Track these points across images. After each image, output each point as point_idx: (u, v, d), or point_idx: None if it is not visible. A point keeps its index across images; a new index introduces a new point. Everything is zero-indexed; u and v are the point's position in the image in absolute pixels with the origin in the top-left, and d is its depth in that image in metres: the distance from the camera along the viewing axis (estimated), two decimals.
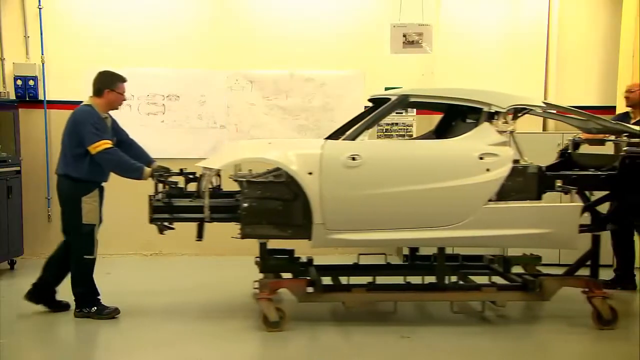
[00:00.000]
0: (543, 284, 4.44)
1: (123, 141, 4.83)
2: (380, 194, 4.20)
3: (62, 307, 4.76)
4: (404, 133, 6.99)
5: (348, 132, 4.51)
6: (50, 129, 6.76)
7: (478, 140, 4.31)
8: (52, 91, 6.84)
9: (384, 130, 6.99)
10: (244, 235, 4.33)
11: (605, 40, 6.98)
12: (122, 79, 4.73)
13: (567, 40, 6.98)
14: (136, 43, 6.89)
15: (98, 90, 4.64)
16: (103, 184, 4.72)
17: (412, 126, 6.99)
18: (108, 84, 4.64)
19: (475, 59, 7.01)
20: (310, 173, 4.16)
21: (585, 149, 5.07)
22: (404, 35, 6.45)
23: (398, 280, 4.71)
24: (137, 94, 6.91)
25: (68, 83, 6.76)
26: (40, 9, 6.78)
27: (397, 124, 6.94)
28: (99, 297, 4.65)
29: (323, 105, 6.95)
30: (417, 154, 4.41)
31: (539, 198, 4.39)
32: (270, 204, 4.27)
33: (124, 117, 6.80)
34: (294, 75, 6.99)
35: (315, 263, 4.88)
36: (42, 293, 4.70)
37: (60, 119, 6.74)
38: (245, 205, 4.26)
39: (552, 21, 6.90)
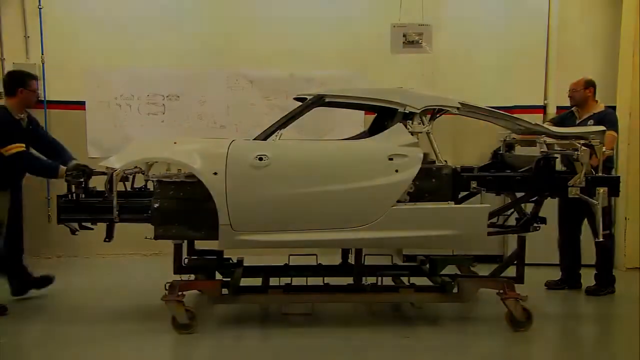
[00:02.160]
0: (460, 285, 4.43)
1: (44, 140, 4.84)
2: (288, 195, 4.10)
3: (47, 280, 5.02)
4: None
5: (260, 132, 4.38)
6: (50, 129, 6.73)
7: (389, 141, 4.24)
8: (52, 91, 6.84)
9: None
10: (156, 236, 4.24)
11: (605, 40, 6.99)
12: (33, 77, 4.77)
13: (567, 40, 6.99)
14: (136, 43, 6.89)
15: (11, 90, 4.61)
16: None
17: None
18: (20, 82, 4.62)
19: (475, 59, 7.03)
20: (215, 173, 4.06)
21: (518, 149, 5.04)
22: (404, 35, 6.45)
23: (346, 281, 4.63)
24: (137, 94, 6.94)
25: (68, 83, 6.78)
26: (40, 9, 6.78)
27: None
28: None
29: None
30: (327, 154, 4.30)
31: (454, 199, 4.33)
32: (182, 205, 4.17)
33: (125, 117, 6.93)
34: (294, 75, 7.00)
35: (246, 264, 4.79)
36: (21, 284, 4.91)
37: (60, 119, 6.80)
38: (156, 205, 4.16)
39: (551, 21, 6.91)
